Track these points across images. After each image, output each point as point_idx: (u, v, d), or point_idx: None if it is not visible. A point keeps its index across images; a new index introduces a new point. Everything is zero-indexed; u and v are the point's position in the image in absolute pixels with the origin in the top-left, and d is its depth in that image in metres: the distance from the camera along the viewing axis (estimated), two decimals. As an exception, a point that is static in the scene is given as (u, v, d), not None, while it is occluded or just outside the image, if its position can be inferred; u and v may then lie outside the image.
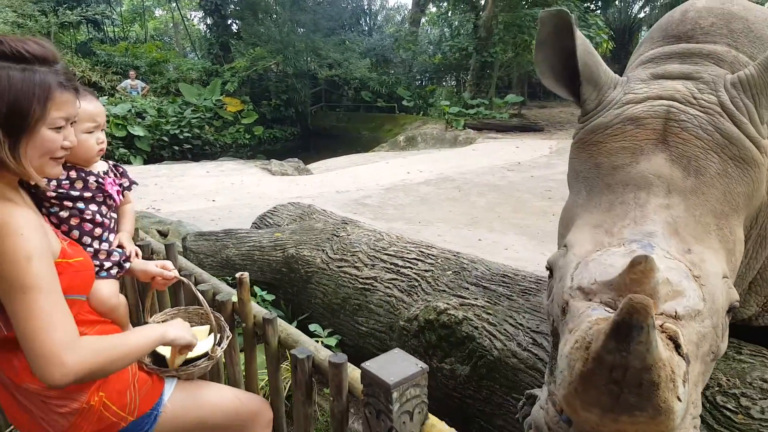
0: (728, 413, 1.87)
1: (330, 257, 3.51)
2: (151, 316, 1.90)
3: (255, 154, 18.42)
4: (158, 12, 36.06)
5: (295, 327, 1.95)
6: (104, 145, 1.84)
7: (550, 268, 1.68)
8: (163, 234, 4.75)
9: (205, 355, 1.65)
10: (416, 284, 3.04)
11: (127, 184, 1.96)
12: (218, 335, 1.73)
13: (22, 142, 1.21)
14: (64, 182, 1.67)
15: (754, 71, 1.60)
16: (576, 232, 1.63)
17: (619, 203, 1.60)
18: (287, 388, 2.40)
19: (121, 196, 1.89)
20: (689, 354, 1.31)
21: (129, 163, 15.30)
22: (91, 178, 1.75)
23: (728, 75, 1.66)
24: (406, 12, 30.22)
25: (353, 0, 29.72)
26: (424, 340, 2.75)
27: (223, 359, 2.16)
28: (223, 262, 3.81)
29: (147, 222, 5.54)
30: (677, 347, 1.26)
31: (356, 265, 3.36)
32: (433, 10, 26.71)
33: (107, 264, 1.75)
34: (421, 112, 22.28)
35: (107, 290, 1.68)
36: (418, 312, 2.84)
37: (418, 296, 2.96)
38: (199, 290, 1.81)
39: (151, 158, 16.08)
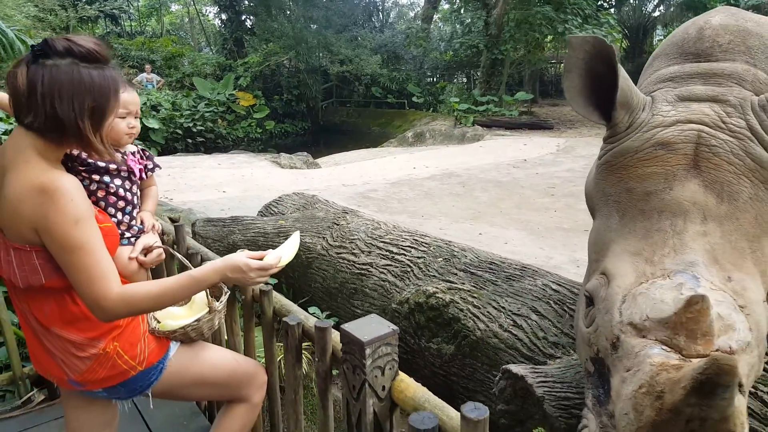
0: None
1: (330, 244, 3.71)
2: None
3: (266, 147, 18.68)
4: (174, 7, 36.47)
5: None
6: (135, 131, 2.06)
7: (589, 296, 1.69)
8: (174, 221, 4.96)
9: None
10: (409, 270, 3.22)
11: (150, 166, 2.18)
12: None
13: (102, 128, 1.47)
14: (99, 164, 1.89)
15: None
16: (615, 261, 1.64)
17: (656, 230, 1.61)
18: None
19: (144, 175, 2.11)
20: (745, 388, 1.36)
21: (143, 154, 15.61)
22: (117, 155, 1.96)
23: (754, 97, 1.69)
24: (418, 9, 30.30)
25: (367, -4, 29.90)
26: (413, 321, 2.93)
27: (224, 330, 2.37)
28: (229, 247, 4.02)
29: (159, 210, 5.78)
30: (739, 386, 1.28)
31: (354, 251, 3.55)
32: (446, 6, 26.78)
33: (128, 234, 1.98)
34: (431, 109, 22.41)
35: (127, 255, 1.91)
36: (409, 295, 3.02)
37: (410, 281, 3.15)
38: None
39: (165, 150, 16.40)
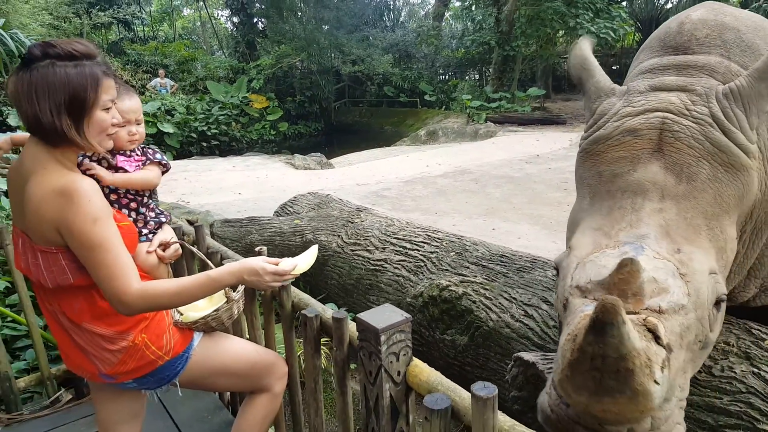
0: (693, 372, 2.07)
1: (345, 242, 3.79)
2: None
3: (280, 149, 18.85)
4: (186, 11, 36.83)
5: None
6: (137, 137, 2.09)
7: (556, 268, 1.85)
8: (192, 222, 5.09)
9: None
10: (422, 264, 3.30)
11: (144, 160, 2.16)
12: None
13: (84, 122, 1.51)
14: (93, 161, 1.97)
15: (744, 82, 1.74)
16: (578, 235, 1.80)
17: (617, 208, 1.76)
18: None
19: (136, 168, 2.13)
20: (671, 344, 1.49)
21: (159, 159, 15.85)
22: (104, 162, 2.01)
23: (720, 86, 1.79)
24: (429, 7, 30.30)
25: (377, -5, 29.98)
26: (427, 314, 3.01)
27: (245, 325, 2.46)
28: (247, 247, 4.13)
29: (177, 213, 5.92)
30: (657, 338, 1.44)
31: (368, 248, 3.64)
32: (457, 4, 26.75)
33: (144, 231, 2.07)
34: (443, 107, 22.42)
35: (145, 250, 2.00)
36: (423, 289, 3.10)
37: (424, 275, 3.22)
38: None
39: (180, 154, 16.63)
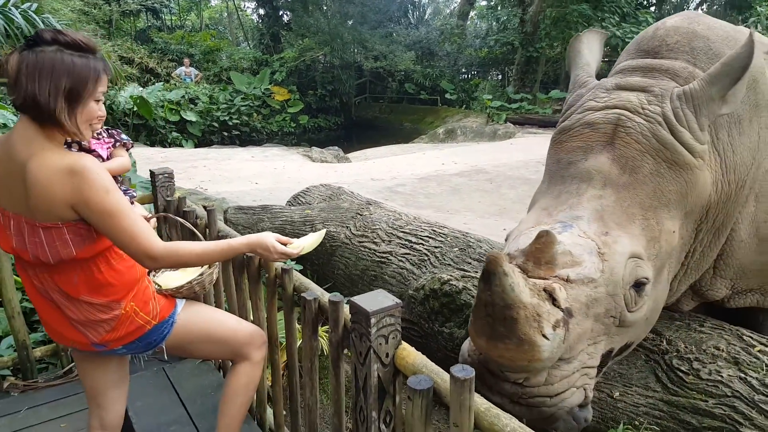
0: (681, 374, 2.14)
1: (353, 233, 3.88)
2: None
3: (299, 141, 19.02)
4: (214, 1, 37.23)
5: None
6: (102, 117, 2.25)
7: (507, 240, 2.06)
8: (206, 208, 5.22)
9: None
10: (426, 258, 3.37)
11: (118, 139, 2.33)
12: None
13: (78, 109, 1.60)
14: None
15: (697, 86, 1.87)
16: (529, 213, 2.00)
17: (565, 192, 1.94)
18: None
19: (107, 152, 2.28)
20: (573, 310, 1.67)
21: (180, 146, 16.12)
22: (75, 146, 2.13)
23: (676, 88, 1.93)
24: (455, 5, 30.20)
25: (403, -8, 29.96)
26: (428, 306, 3.08)
27: (249, 306, 2.56)
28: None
29: (194, 198, 6.06)
30: (554, 301, 1.63)
31: (375, 240, 3.72)
32: (483, 3, 26.63)
33: None
34: (464, 106, 22.39)
35: None
36: (425, 282, 3.17)
37: (427, 269, 3.30)
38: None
39: (201, 142, 16.88)
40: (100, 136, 2.27)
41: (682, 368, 2.16)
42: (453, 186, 9.24)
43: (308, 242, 2.01)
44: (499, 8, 22.66)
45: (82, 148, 2.12)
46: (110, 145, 2.29)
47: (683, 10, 26.86)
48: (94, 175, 1.57)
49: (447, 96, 23.22)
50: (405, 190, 8.80)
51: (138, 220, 1.65)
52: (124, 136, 2.38)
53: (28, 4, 5.63)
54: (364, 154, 14.15)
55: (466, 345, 1.79)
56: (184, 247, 1.75)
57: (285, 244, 1.97)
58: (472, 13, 28.22)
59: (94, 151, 2.17)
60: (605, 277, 1.74)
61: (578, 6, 17.93)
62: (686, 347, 2.23)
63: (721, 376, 2.08)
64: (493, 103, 18.59)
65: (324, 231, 2.06)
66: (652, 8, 23.42)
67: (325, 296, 2.01)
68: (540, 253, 1.73)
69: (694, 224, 2.05)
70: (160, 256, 1.67)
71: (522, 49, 19.85)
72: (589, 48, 2.45)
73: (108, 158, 2.32)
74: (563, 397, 1.71)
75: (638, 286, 1.82)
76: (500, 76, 26.14)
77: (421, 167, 10.82)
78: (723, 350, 2.15)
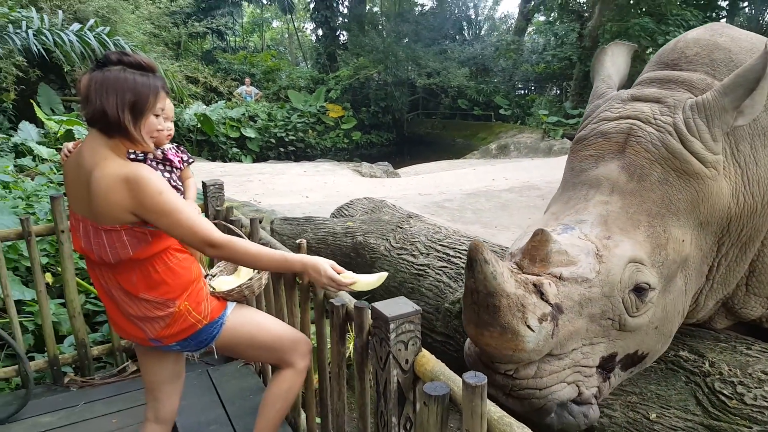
0: (723, 398, 2.04)
1: (392, 245, 3.92)
2: (210, 268, 2.48)
3: (352, 157, 19.35)
4: (275, 23, 38.68)
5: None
6: (172, 132, 2.43)
7: None
8: (258, 220, 5.41)
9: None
10: (463, 272, 3.36)
11: (186, 158, 2.58)
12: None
13: (141, 121, 1.78)
14: (139, 155, 2.27)
15: (710, 96, 1.87)
16: (541, 218, 2.06)
17: (574, 197, 1.99)
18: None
19: (182, 165, 2.48)
20: (563, 306, 1.70)
21: (240, 161, 16.76)
22: (157, 152, 2.37)
23: (690, 99, 1.93)
24: (512, 21, 30.04)
25: (459, 10, 30.08)
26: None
27: (285, 312, 2.64)
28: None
29: (246, 210, 6.30)
30: (542, 295, 1.68)
31: (413, 253, 3.75)
32: (541, 18, 26.37)
33: None
34: (519, 121, 22.14)
35: None
36: (461, 296, 3.17)
37: (464, 282, 3.29)
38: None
39: (259, 158, 17.50)
40: (170, 149, 2.53)
41: (725, 392, 2.06)
42: (502, 202, 9.14)
43: (365, 279, 2.00)
44: (557, 23, 22.37)
45: (155, 158, 2.35)
46: (181, 158, 2.54)
47: (757, 21, 25.67)
48: (146, 181, 1.72)
49: (501, 112, 23.05)
50: (452, 206, 8.78)
51: (194, 214, 1.80)
52: (187, 155, 2.70)
53: (101, 28, 6.09)
54: (413, 169, 14.22)
55: (467, 342, 1.87)
56: (242, 242, 1.88)
57: (339, 274, 1.99)
58: (529, 29, 28.00)
59: (169, 159, 2.40)
60: (601, 278, 1.76)
61: (640, 19, 17.45)
62: (730, 370, 2.12)
63: (767, 402, 1.97)
64: (549, 118, 18.29)
65: (385, 274, 2.06)
66: (723, 20, 22.50)
67: (353, 303, 2.06)
68: (535, 251, 1.79)
69: (714, 236, 2.02)
70: (219, 244, 1.80)
71: (580, 63, 19.47)
72: (613, 61, 2.47)
73: (179, 168, 2.56)
74: (552, 391, 1.74)
75: (639, 291, 1.81)
76: (557, 92, 25.70)
77: (470, 182, 10.77)
78: (770, 375, 2.04)
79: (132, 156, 1.89)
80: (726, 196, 1.95)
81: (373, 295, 3.93)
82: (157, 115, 1.83)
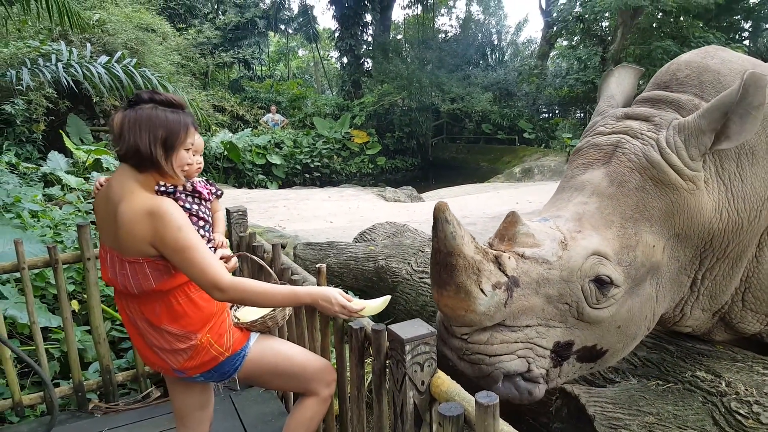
0: (740, 417, 2.02)
1: (414, 269, 3.95)
2: None
3: (377, 182, 19.48)
4: (301, 52, 39.62)
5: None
6: (201, 166, 2.53)
7: None
8: (282, 246, 5.49)
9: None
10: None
11: (215, 190, 2.68)
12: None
13: (172, 156, 1.86)
14: (169, 187, 2.36)
15: (690, 118, 2.01)
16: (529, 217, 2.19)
17: (560, 199, 2.14)
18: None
19: (211, 197, 2.57)
20: (520, 280, 1.83)
21: (266, 187, 17.04)
22: (187, 184, 2.43)
23: (675, 119, 2.07)
24: (535, 46, 30.21)
25: (482, 36, 30.40)
26: (484, 343, 3.07)
27: (306, 337, 2.68)
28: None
29: (270, 235, 6.41)
30: (500, 265, 1.82)
31: (435, 276, 3.77)
32: (564, 43, 26.48)
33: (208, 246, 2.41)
34: (543, 145, 22.07)
35: None
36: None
37: (484, 305, 3.29)
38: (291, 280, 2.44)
39: (284, 184, 17.75)
40: (199, 182, 2.64)
41: (741, 411, 2.04)
42: (526, 225, 9.09)
43: (373, 304, 2.07)
44: (579, 47, 22.41)
45: (185, 189, 2.45)
46: (210, 190, 2.64)
47: (782, 41, 25.27)
48: (169, 216, 1.78)
49: (525, 135, 23.02)
50: (475, 229, 8.76)
51: (208, 255, 1.83)
52: (216, 187, 2.81)
53: (129, 60, 6.36)
54: (437, 193, 14.26)
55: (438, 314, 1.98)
56: (249, 283, 1.88)
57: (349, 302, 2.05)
58: (552, 53, 28.10)
59: (198, 191, 2.49)
60: (561, 262, 1.87)
61: (662, 42, 17.39)
62: (746, 390, 2.11)
63: (786, 423, 1.94)
64: (573, 141, 18.20)
65: (389, 297, 2.14)
66: (746, 41, 22.25)
67: (371, 325, 2.09)
68: (504, 231, 1.95)
69: (694, 250, 2.13)
70: (226, 288, 1.80)
71: (603, 87, 19.37)
72: (618, 82, 2.58)
73: (209, 200, 2.66)
74: (501, 360, 1.84)
75: (600, 283, 1.90)
76: (581, 115, 25.61)
77: (494, 206, 10.75)
78: (788, 395, 2.01)
79: (162, 188, 1.96)
80: (708, 211, 2.04)
81: (395, 319, 3.97)
82: (187, 149, 1.90)
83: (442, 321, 1.96)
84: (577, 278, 1.89)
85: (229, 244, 2.77)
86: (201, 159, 2.54)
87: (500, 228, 1.98)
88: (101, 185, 2.11)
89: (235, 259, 2.49)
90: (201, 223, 2.43)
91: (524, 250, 1.89)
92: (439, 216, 1.75)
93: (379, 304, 2.07)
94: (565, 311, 1.91)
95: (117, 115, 1.84)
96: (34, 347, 3.09)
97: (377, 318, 3.97)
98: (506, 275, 1.82)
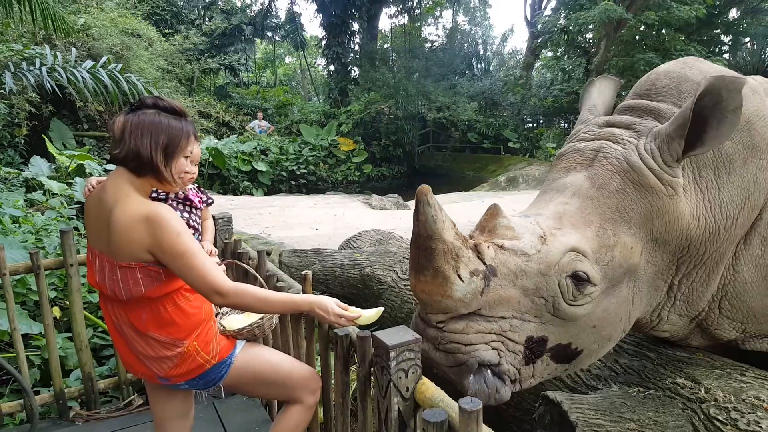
0: (718, 423, 2.06)
1: (399, 277, 3.97)
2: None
3: (363, 190, 19.48)
4: (288, 59, 39.64)
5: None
6: (195, 176, 2.56)
7: None
8: (267, 253, 5.48)
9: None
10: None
11: (205, 198, 2.68)
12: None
13: (172, 162, 1.86)
14: (161, 194, 2.35)
15: (662, 127, 2.08)
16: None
17: (542, 200, 2.19)
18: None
19: (202, 205, 2.57)
20: (498, 270, 1.86)
21: (251, 194, 16.95)
22: (179, 192, 2.43)
23: (656, 127, 2.14)
24: (520, 56, 30.55)
25: (468, 46, 30.70)
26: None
27: (291, 344, 2.68)
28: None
29: (256, 242, 6.39)
30: (478, 254, 1.84)
31: (420, 284, 3.79)
32: (548, 54, 26.84)
33: None
34: (527, 154, 22.29)
35: None
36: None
37: (469, 313, 3.32)
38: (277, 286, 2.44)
39: (270, 191, 17.67)
40: (191, 189, 2.62)
41: (720, 417, 2.07)
42: (511, 234, 9.15)
43: (367, 314, 2.09)
44: (564, 59, 22.73)
45: (177, 197, 2.42)
46: (201, 198, 2.63)
47: (759, 56, 25.88)
48: (166, 221, 1.78)
49: (510, 145, 23.24)
50: (462, 238, 8.81)
51: (207, 260, 1.83)
52: (207, 195, 2.84)
53: (114, 65, 6.32)
54: (424, 202, 14.26)
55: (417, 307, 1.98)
56: (249, 288, 1.90)
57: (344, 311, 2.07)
58: (537, 64, 28.44)
59: (190, 199, 2.48)
60: (539, 256, 1.90)
61: (645, 55, 17.70)
62: (725, 396, 2.15)
63: (761, 427, 1.99)
64: (557, 151, 18.40)
65: (381, 309, 2.15)
66: (726, 54, 22.73)
67: (356, 332, 2.10)
68: (486, 223, 1.98)
69: (671, 255, 2.17)
70: (227, 292, 1.82)
71: (587, 97, 19.66)
72: (599, 92, 2.65)
73: (199, 208, 2.65)
74: (476, 348, 1.84)
75: (577, 279, 1.93)
76: (565, 125, 25.93)
77: (478, 214, 10.71)
78: (764, 400, 2.05)
79: (154, 195, 1.95)
80: (685, 216, 2.09)
81: (380, 327, 3.96)
82: (186, 157, 1.91)
83: (419, 313, 1.98)
84: (555, 273, 1.91)
85: (218, 252, 2.76)
86: (196, 169, 2.54)
87: (481, 220, 2.01)
88: (93, 187, 2.09)
89: (223, 267, 2.49)
90: (191, 231, 2.43)
91: (503, 242, 1.91)
92: (422, 199, 1.75)
93: (372, 314, 2.08)
94: (540, 305, 1.93)
95: (119, 118, 1.83)
96: (14, 354, 3.06)
97: (363, 326, 3.97)
98: (484, 263, 1.84)
